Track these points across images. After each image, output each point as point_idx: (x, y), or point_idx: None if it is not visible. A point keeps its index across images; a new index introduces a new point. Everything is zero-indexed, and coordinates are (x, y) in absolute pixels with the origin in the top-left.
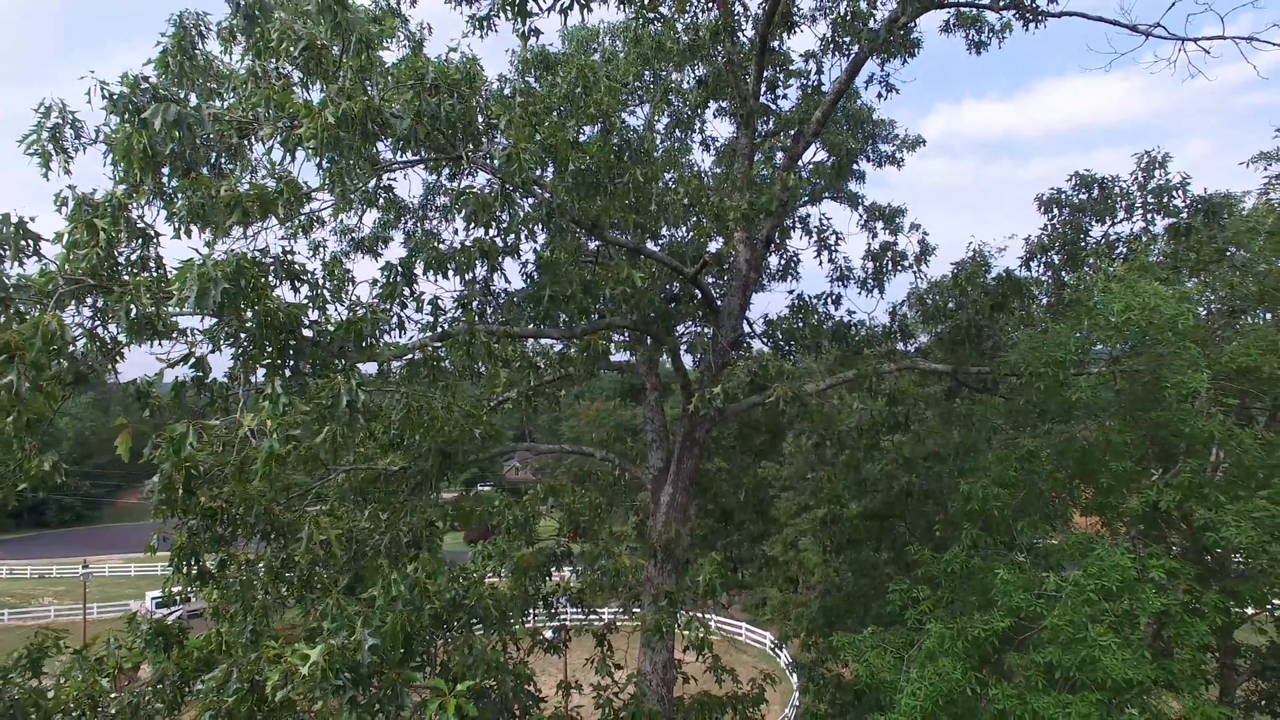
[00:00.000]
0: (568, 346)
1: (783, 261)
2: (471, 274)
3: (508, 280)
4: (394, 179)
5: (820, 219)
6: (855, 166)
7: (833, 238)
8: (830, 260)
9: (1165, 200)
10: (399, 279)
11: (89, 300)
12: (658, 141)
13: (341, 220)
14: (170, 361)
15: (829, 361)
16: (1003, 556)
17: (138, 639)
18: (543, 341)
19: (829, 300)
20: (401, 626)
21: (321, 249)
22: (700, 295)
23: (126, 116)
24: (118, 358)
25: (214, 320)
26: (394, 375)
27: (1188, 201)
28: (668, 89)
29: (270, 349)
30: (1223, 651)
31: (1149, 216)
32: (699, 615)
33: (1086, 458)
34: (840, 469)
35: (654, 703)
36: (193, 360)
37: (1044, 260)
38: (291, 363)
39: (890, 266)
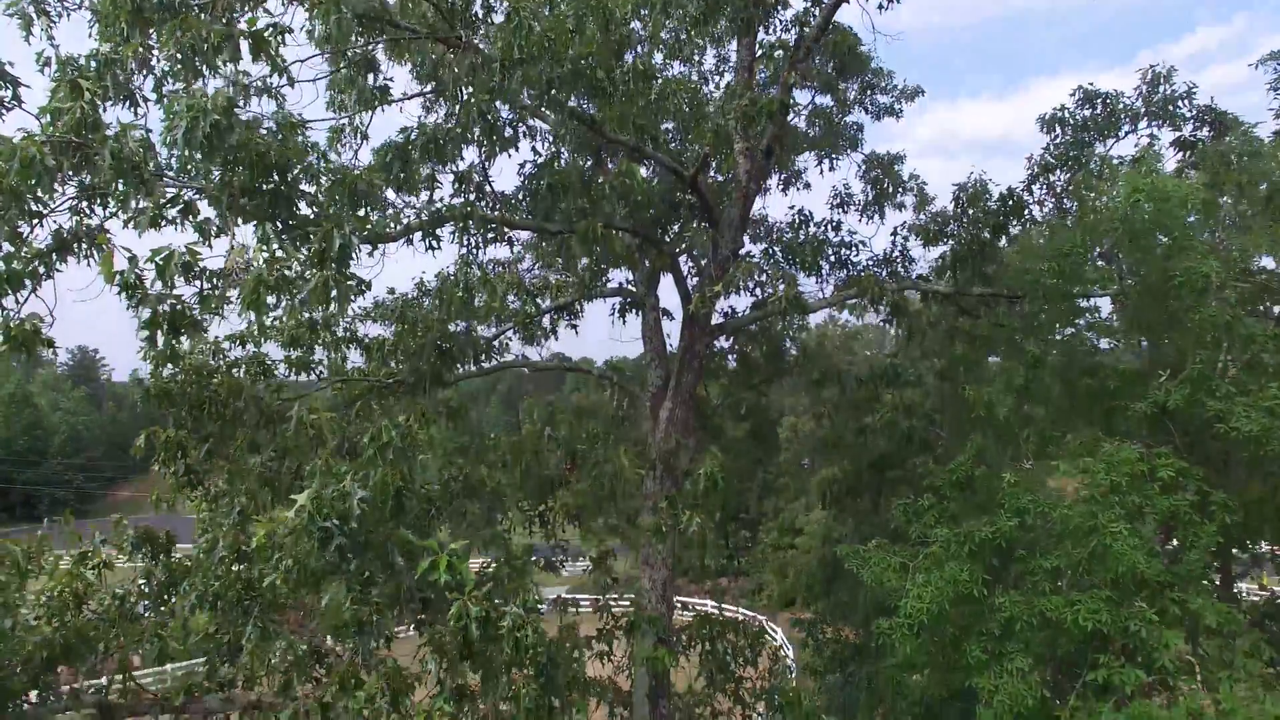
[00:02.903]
0: (565, 240)
1: (783, 179)
2: (471, 145)
3: (515, 152)
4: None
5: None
6: (852, 119)
7: (836, 144)
8: (832, 168)
9: (1171, 109)
10: (394, 160)
11: (73, 175)
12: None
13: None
14: (158, 205)
15: (831, 282)
16: (1009, 465)
17: (125, 541)
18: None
19: (829, 226)
20: (392, 480)
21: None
22: (700, 203)
23: None
24: (106, 243)
25: (200, 163)
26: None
27: (1194, 112)
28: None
29: (261, 196)
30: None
31: (1154, 130)
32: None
33: (1092, 365)
34: (844, 411)
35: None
36: (181, 205)
37: (1047, 182)
38: (283, 216)
39: (891, 190)
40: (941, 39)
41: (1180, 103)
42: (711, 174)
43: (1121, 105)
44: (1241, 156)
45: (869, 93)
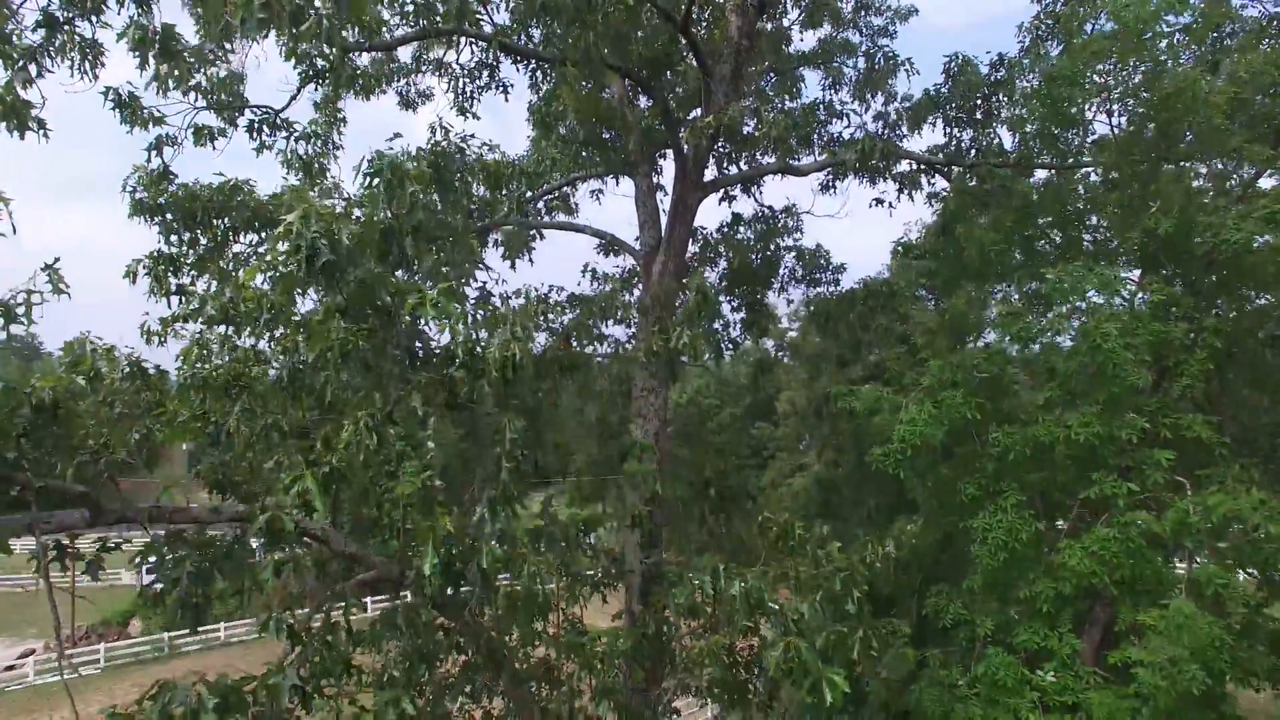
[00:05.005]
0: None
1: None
2: None
3: None
4: None
5: None
6: (845, 36)
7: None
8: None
9: None
10: None
11: None
12: None
13: None
14: None
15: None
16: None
17: (117, 369)
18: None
19: (820, 107)
20: (380, 221)
21: None
22: (693, 51)
23: None
24: None
25: None
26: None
27: None
28: None
29: None
30: None
31: None
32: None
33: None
34: (840, 309)
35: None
36: None
37: (1037, 54)
38: None
39: (884, 65)
40: (945, 38)
41: None
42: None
43: None
44: None
45: (863, 13)
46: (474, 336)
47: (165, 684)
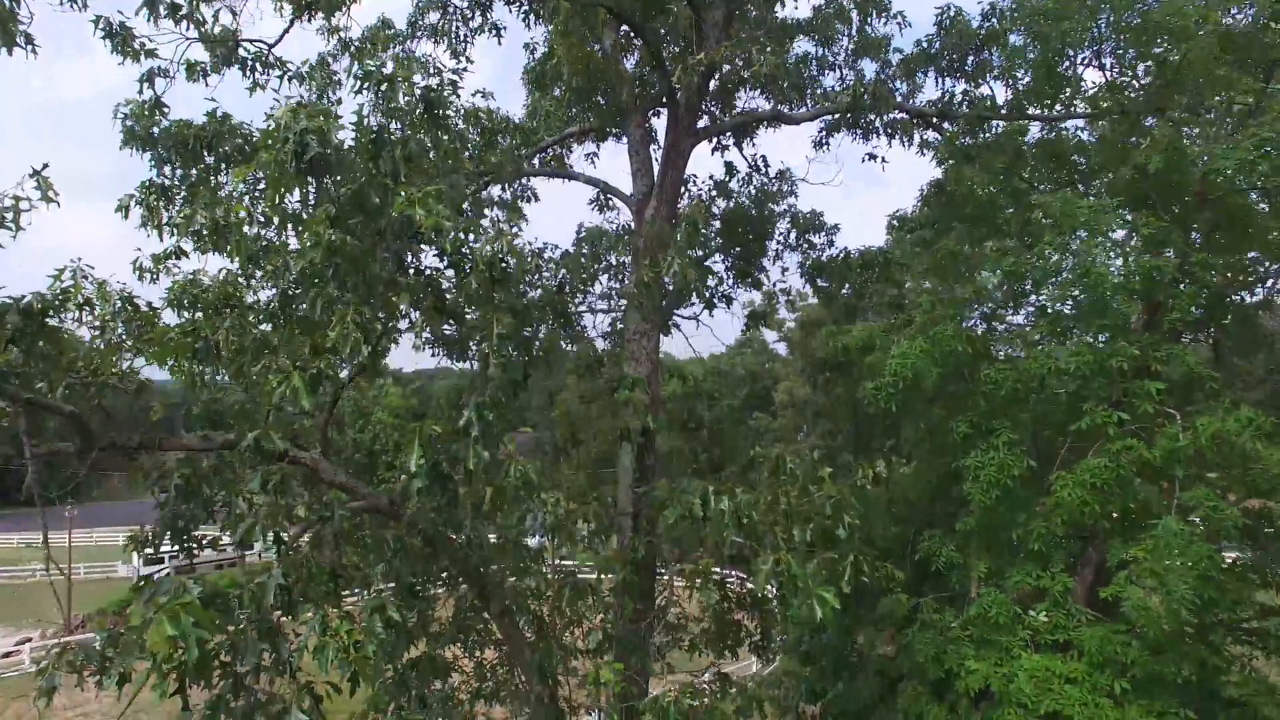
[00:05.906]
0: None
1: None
2: None
3: None
4: None
5: None
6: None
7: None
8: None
9: None
10: None
11: None
12: None
13: None
14: None
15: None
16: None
17: (108, 305)
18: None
19: (812, 61)
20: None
21: None
22: None
23: None
24: None
25: None
26: None
27: None
28: None
29: None
30: None
31: None
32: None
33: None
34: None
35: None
36: None
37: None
38: None
39: (874, 14)
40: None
41: None
42: None
43: None
44: None
45: None
46: (462, 238)
47: (148, 580)
